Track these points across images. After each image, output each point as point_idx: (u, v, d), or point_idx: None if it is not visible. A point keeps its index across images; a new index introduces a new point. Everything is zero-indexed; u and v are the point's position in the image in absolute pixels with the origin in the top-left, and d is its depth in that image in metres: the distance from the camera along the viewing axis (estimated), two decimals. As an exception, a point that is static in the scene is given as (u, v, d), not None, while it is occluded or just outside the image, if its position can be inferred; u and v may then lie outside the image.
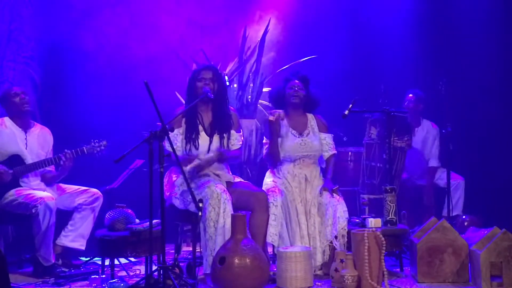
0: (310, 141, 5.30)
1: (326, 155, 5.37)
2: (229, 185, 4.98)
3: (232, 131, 5.14)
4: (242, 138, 5.25)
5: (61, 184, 5.54)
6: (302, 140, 5.28)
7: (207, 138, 5.05)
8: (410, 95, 6.84)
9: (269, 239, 4.88)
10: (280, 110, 5.24)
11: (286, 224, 4.99)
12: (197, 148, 5.00)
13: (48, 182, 5.49)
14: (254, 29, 7.02)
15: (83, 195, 5.41)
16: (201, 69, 5.15)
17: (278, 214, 4.92)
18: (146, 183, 4.37)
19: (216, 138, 5.06)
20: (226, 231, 4.64)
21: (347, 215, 4.99)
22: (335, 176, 5.42)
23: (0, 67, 6.43)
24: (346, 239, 4.90)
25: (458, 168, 6.64)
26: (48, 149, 5.56)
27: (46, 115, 6.35)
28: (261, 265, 4.42)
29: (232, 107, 5.35)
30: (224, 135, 5.09)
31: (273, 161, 5.27)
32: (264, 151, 5.35)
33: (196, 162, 4.87)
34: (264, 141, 5.37)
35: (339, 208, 4.98)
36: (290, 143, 5.27)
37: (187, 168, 4.79)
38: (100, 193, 5.46)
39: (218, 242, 4.62)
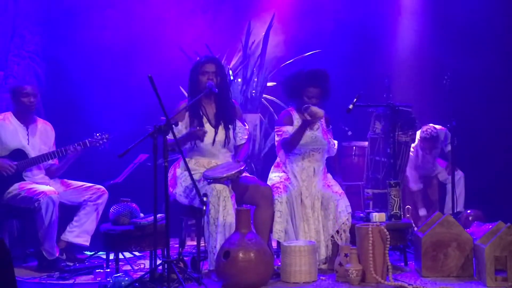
0: (320, 136, 5.27)
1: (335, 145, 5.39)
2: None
3: (237, 121, 5.11)
4: (248, 132, 5.21)
5: (66, 180, 5.55)
6: (312, 133, 5.25)
7: (212, 129, 4.99)
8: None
9: (275, 236, 4.87)
10: (322, 112, 5.06)
11: (291, 219, 4.98)
12: (202, 140, 4.92)
13: (52, 174, 5.52)
14: (258, 23, 7.00)
15: (88, 192, 5.42)
16: (203, 61, 5.04)
17: (283, 210, 4.90)
18: (150, 178, 4.37)
19: (221, 129, 5.02)
20: (226, 229, 4.62)
21: (349, 210, 4.98)
22: (339, 170, 5.42)
23: (5, 61, 6.44)
24: (348, 234, 4.90)
25: (459, 162, 6.59)
26: (50, 143, 5.56)
27: (50, 109, 6.37)
28: (266, 259, 4.42)
29: (234, 101, 5.29)
30: (230, 126, 5.05)
31: (291, 148, 5.16)
32: (277, 138, 5.23)
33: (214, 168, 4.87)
34: (277, 128, 5.26)
35: (341, 203, 4.97)
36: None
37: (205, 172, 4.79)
38: (105, 189, 5.47)
39: (218, 240, 4.61)
